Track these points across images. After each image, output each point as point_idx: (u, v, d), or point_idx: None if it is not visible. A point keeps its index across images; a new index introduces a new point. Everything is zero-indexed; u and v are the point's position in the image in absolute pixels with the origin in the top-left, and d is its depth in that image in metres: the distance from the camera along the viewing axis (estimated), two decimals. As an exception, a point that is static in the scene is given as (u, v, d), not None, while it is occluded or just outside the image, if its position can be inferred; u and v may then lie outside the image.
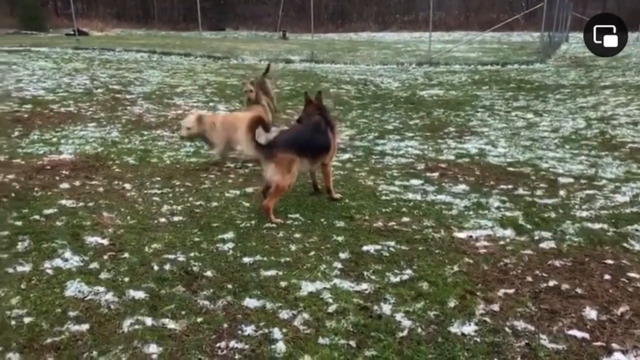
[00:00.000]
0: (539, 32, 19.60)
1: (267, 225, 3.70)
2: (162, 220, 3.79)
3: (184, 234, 3.55)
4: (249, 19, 36.55)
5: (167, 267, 3.07)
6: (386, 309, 2.65)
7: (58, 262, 3.11)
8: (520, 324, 2.54)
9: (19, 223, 3.67)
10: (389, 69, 14.22)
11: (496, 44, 23.69)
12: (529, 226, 3.73)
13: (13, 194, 4.22)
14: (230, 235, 3.53)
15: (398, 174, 4.96)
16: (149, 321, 2.53)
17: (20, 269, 3.02)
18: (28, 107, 7.65)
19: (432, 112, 8.23)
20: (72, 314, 2.59)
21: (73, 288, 2.81)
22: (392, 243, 3.41)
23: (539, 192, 4.44)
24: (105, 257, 3.19)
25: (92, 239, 3.42)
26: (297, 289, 2.84)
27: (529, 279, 2.99)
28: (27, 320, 2.53)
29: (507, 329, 2.50)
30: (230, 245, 3.38)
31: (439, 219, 3.85)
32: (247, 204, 4.14)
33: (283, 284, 2.90)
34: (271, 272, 3.02)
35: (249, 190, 4.46)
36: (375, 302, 2.72)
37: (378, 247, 3.35)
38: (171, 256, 3.21)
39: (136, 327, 2.48)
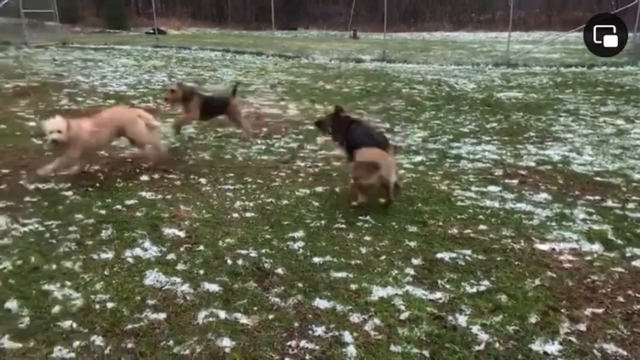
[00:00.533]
0: (631, 33, 18.21)
1: (336, 226, 3.70)
2: (235, 215, 3.90)
3: (255, 230, 3.63)
4: (320, 18, 36.94)
5: (239, 262, 3.16)
6: (462, 320, 2.57)
7: (138, 251, 3.28)
8: (610, 347, 2.37)
9: (103, 212, 3.91)
10: (463, 70, 13.81)
11: (581, 45, 22.26)
12: (619, 241, 3.47)
13: (98, 184, 4.51)
14: (300, 234, 3.56)
15: (474, 179, 4.79)
16: (222, 314, 2.61)
17: (103, 256, 3.22)
18: (111, 102, 8.16)
19: (510, 115, 7.88)
20: (150, 302, 2.72)
21: (152, 277, 2.96)
22: (468, 252, 3.29)
23: (631, 205, 4.12)
24: (182, 249, 3.33)
25: (169, 231, 3.58)
26: (368, 293, 2.82)
27: (621, 299, 2.78)
28: (109, 305, 2.69)
29: (595, 352, 2.34)
30: (301, 244, 3.41)
31: (519, 229, 3.67)
32: (317, 204, 4.16)
33: (353, 286, 2.88)
34: (341, 274, 3.02)
35: (319, 189, 4.48)
36: (450, 312, 2.64)
37: (453, 255, 3.25)
38: (244, 251, 3.29)
39: (210, 319, 2.57)
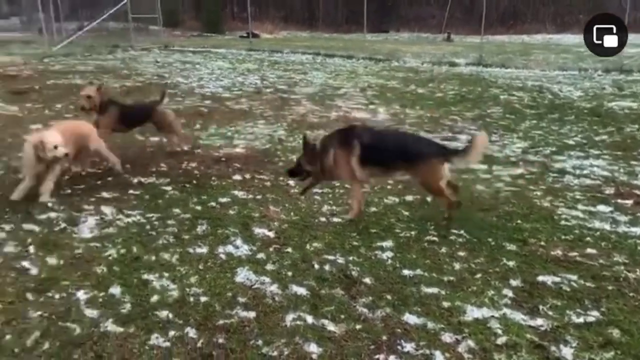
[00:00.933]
0: None
1: (428, 238, 3.61)
2: (322, 219, 3.94)
3: (343, 236, 3.64)
4: (412, 21, 36.41)
5: (327, 267, 3.17)
6: (566, 352, 2.38)
7: (230, 248, 3.42)
8: None
9: (198, 208, 4.13)
10: (568, 76, 12.93)
11: None
12: None
13: (194, 181, 4.76)
14: (389, 243, 3.51)
15: (581, 197, 4.45)
16: (309, 319, 2.63)
17: (198, 250, 3.39)
18: (207, 103, 8.62)
19: (623, 127, 7.24)
20: (241, 299, 2.81)
21: (242, 275, 3.06)
22: (574, 277, 3.06)
23: None
24: (271, 249, 3.41)
25: (259, 230, 3.69)
26: (462, 312, 2.70)
27: None
28: (202, 299, 2.82)
29: None
30: (389, 254, 3.36)
31: (634, 256, 3.35)
32: (407, 213, 4.09)
33: (446, 304, 2.78)
34: (433, 290, 2.93)
35: (409, 198, 4.40)
36: (553, 342, 2.46)
37: (557, 279, 3.03)
38: (331, 257, 3.31)
39: (298, 323, 2.60)
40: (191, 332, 2.53)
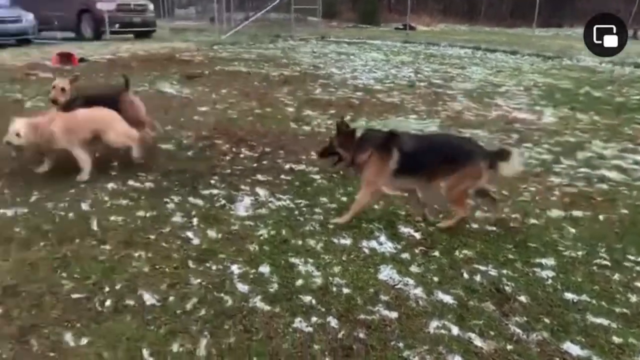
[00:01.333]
0: None
1: (597, 262, 3.23)
2: (475, 226, 3.75)
3: (497, 247, 3.42)
4: (590, 15, 32.88)
5: (477, 278, 3.02)
6: None
7: (374, 243, 3.43)
8: None
9: (344, 199, 4.21)
10: None
11: None
12: None
13: (341, 172, 4.87)
14: (550, 262, 3.22)
15: None
16: (455, 330, 2.53)
17: (342, 241, 3.46)
18: (359, 95, 8.76)
19: None
20: (383, 297, 2.81)
21: (385, 273, 3.05)
22: None
23: None
24: (417, 250, 3.35)
25: (405, 229, 3.64)
26: (637, 352, 2.37)
27: None
28: (345, 290, 2.87)
29: None
30: (550, 273, 3.08)
31: None
32: (573, 230, 3.70)
33: (617, 339, 2.47)
34: (601, 320, 2.61)
35: (577, 214, 3.98)
36: None
37: None
38: (482, 267, 3.14)
39: (442, 331, 2.52)
40: (333, 322, 2.59)
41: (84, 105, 4.85)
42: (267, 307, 2.71)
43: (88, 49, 13.80)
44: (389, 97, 8.63)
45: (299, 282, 2.96)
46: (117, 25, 17.48)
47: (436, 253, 3.31)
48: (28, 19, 15.87)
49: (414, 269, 3.12)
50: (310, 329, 2.55)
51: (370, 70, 11.52)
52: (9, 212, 3.75)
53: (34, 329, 2.49)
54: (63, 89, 5.09)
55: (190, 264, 3.16)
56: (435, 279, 3.01)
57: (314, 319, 2.62)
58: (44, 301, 2.71)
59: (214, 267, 3.12)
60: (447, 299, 2.79)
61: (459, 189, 3.57)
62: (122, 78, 5.44)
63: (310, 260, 3.19)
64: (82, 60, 11.45)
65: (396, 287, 2.92)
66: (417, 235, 3.56)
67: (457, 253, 3.32)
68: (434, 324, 2.57)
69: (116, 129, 4.61)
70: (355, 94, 8.80)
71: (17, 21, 15.57)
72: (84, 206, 3.90)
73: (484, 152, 3.60)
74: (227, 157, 5.23)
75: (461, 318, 2.63)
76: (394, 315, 2.65)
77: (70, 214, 3.77)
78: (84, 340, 2.43)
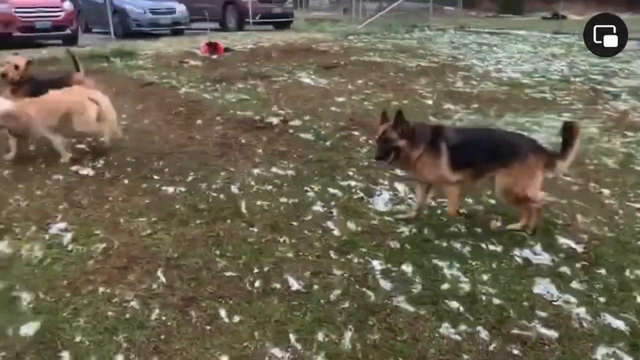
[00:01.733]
0: None
1: None
2: (648, 243, 3.34)
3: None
4: None
5: None
6: None
7: (527, 253, 3.21)
8: None
9: (491, 201, 3.99)
10: None
11: None
12: None
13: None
14: None
15: None
16: (626, 359, 2.27)
17: (491, 247, 3.29)
18: (505, 89, 8.26)
19: None
20: (540, 313, 2.62)
21: (542, 287, 2.84)
22: None
23: None
24: (578, 265, 3.07)
25: (563, 240, 3.35)
26: None
27: None
28: (495, 301, 2.73)
29: None
30: None
31: None
32: None
33: None
34: None
35: None
36: None
37: None
38: None
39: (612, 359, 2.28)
40: (483, 333, 2.48)
41: (31, 89, 5.10)
42: (411, 309, 2.67)
43: (232, 39, 14.77)
44: (539, 92, 8.02)
45: (445, 286, 2.87)
46: (258, 16, 18.49)
47: (602, 270, 3.00)
48: (181, 10, 17.44)
49: (575, 285, 2.86)
50: (458, 337, 2.46)
51: (516, 63, 10.82)
52: (170, 190, 4.15)
53: (193, 302, 2.72)
54: (16, 66, 5.27)
55: (332, 254, 3.22)
56: (602, 299, 2.73)
57: (462, 327, 2.52)
58: (201, 276, 2.95)
59: (355, 260, 3.15)
60: (618, 323, 2.52)
61: (512, 192, 3.35)
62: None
63: (457, 265, 3.07)
64: (227, 50, 12.28)
65: (554, 303, 2.71)
66: (579, 248, 3.26)
67: (627, 273, 2.98)
68: (602, 350, 2.34)
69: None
70: (500, 88, 8.32)
71: (171, 12, 17.20)
72: (234, 189, 4.18)
73: (536, 147, 3.40)
74: (364, 150, 5.25)
75: (635, 347, 2.36)
76: (553, 334, 2.45)
77: (222, 196, 4.06)
78: (237, 318, 2.60)
